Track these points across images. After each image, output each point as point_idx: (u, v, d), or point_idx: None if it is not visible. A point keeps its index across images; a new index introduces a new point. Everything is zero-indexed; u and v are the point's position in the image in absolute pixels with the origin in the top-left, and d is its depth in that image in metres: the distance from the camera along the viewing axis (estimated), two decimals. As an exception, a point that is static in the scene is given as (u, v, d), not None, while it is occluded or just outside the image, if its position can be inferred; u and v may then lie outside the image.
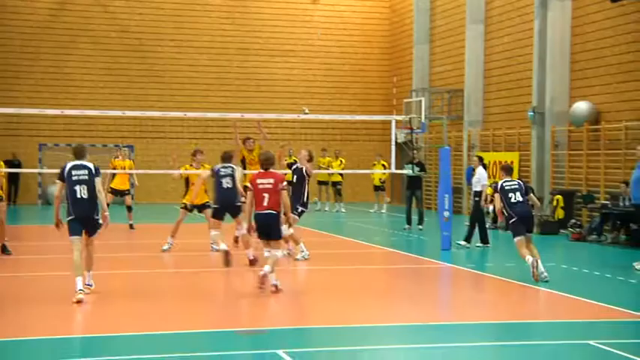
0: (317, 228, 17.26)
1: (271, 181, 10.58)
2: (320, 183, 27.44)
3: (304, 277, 11.84)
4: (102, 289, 10.82)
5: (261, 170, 10.73)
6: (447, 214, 15.59)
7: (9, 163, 26.52)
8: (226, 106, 30.28)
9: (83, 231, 10.33)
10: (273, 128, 30.74)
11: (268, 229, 10.54)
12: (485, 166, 17.24)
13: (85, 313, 9.60)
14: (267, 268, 10.44)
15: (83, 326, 9.08)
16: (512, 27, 24.84)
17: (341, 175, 26.57)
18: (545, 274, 11.55)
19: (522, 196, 12.29)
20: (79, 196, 10.19)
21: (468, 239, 16.44)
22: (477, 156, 17.72)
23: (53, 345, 7.83)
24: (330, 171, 25.73)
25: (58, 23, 30.25)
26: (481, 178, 16.56)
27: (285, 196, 10.71)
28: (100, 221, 10.30)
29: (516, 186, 12.43)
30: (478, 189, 16.60)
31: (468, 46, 26.68)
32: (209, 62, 31.47)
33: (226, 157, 13.04)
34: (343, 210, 26.75)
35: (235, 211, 13.12)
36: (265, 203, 10.52)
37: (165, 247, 15.13)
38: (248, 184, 10.96)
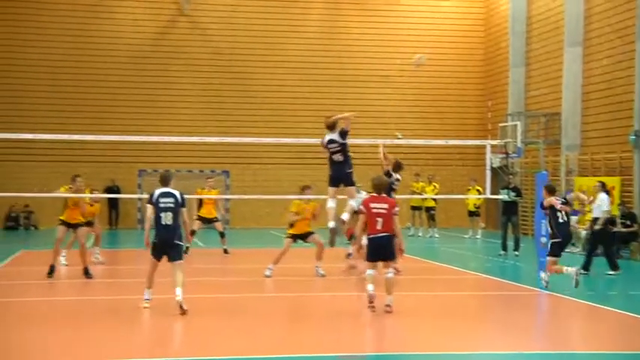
0: (411, 254, 17.06)
1: (385, 206, 10.93)
2: (413, 208, 27.21)
3: (399, 302, 11.63)
4: (196, 310, 10.90)
5: (374, 194, 10.97)
6: (544, 240, 15.13)
7: (109, 190, 27.81)
8: (320, 131, 30.53)
9: (164, 256, 11.02)
10: (365, 153, 30.58)
11: (383, 250, 10.78)
12: (607, 192, 17.09)
13: (177, 333, 9.86)
14: (390, 298, 10.81)
15: (169, 347, 9.20)
16: (611, 49, 24.20)
17: (434, 200, 26.22)
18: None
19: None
20: (163, 222, 10.83)
21: (586, 267, 16.03)
22: (599, 182, 17.53)
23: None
24: (424, 196, 25.63)
25: (156, 52, 31.05)
26: (602, 204, 16.42)
27: (397, 221, 11.05)
28: (183, 245, 11.04)
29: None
30: (597, 215, 16.45)
31: (566, 69, 26.10)
32: (303, 88, 31.70)
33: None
34: (437, 235, 26.48)
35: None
36: (379, 227, 10.82)
37: (267, 272, 15.12)
38: (361, 207, 11.09)
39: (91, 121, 29.33)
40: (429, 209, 26.83)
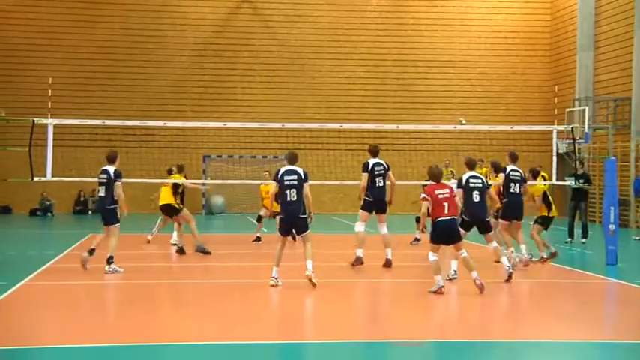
0: (474, 240, 16.54)
1: (447, 191, 11.53)
2: None
3: (466, 289, 11.62)
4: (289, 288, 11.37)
5: (432, 183, 11.63)
6: (612, 227, 15.03)
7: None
8: (382, 117, 30.27)
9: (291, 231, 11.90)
10: (429, 139, 29.78)
11: (452, 233, 11.37)
12: None
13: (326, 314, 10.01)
14: (475, 273, 11.42)
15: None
16: (684, 30, 23.40)
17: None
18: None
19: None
20: (288, 199, 11.57)
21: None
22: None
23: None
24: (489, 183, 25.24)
25: (222, 39, 31.27)
26: None
27: (458, 203, 11.87)
28: (309, 220, 11.70)
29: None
30: None
31: (636, 52, 25.30)
32: (366, 74, 31.65)
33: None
34: (502, 222, 26.01)
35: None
36: (446, 211, 11.37)
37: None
38: (424, 195, 11.57)
39: (157, 107, 29.92)
40: (494, 196, 26.36)
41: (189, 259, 14.98)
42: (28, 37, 29.65)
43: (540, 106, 31.98)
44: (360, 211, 13.57)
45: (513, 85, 32.12)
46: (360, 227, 13.37)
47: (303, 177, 11.52)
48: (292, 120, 27.74)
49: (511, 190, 13.72)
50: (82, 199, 29.78)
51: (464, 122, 29.38)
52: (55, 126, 16.40)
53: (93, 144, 29.01)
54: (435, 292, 11.13)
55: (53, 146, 16.21)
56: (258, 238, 18.22)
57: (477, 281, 11.21)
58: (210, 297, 11.11)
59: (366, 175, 13.44)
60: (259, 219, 18.44)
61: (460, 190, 12.36)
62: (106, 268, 12.83)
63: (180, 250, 15.60)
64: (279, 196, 11.61)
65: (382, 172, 13.43)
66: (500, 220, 14.03)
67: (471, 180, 12.53)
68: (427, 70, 31.86)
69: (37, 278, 12.60)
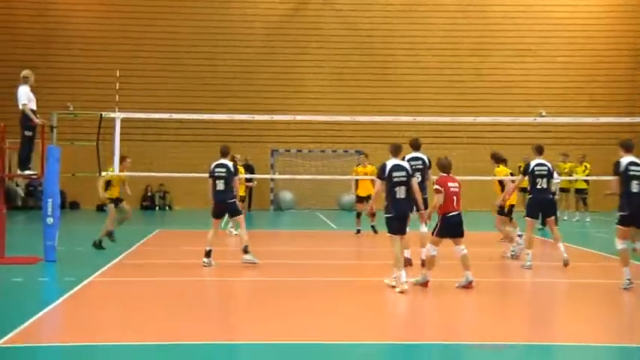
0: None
1: (457, 184, 11.53)
2: (561, 190, 25.68)
3: (550, 289, 11.77)
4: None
5: (443, 175, 11.51)
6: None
7: (245, 168, 27.54)
8: (458, 109, 29.60)
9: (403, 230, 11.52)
10: (508, 132, 29.17)
11: (459, 227, 11.38)
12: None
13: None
14: (469, 273, 11.39)
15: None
16: None
17: (586, 182, 25.12)
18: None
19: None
20: (398, 196, 11.27)
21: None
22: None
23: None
24: (573, 177, 24.41)
25: (291, 28, 31.09)
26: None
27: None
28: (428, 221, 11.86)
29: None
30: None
31: None
32: (440, 64, 31.07)
33: None
34: (588, 220, 25.28)
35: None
36: (456, 204, 11.41)
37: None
38: (437, 186, 11.51)
39: (222, 100, 29.82)
40: (579, 191, 25.77)
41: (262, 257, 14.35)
42: (95, 29, 29.89)
43: (627, 97, 31.14)
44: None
45: (598, 75, 31.21)
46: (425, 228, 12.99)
47: (410, 172, 11.41)
48: (362, 112, 27.76)
49: (538, 186, 13.49)
50: (149, 194, 29.98)
51: (544, 114, 28.87)
52: (122, 119, 16.45)
53: (159, 138, 29.33)
54: (465, 286, 11.30)
55: (120, 140, 16.23)
56: (358, 231, 18.72)
57: (470, 285, 11.27)
58: (330, 295, 11.07)
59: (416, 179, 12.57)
60: (358, 215, 18.85)
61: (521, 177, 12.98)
62: (245, 257, 13.23)
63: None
64: (387, 194, 11.32)
65: (420, 166, 13.06)
66: (526, 218, 13.78)
67: (537, 168, 13.26)
68: (505, 59, 31.10)
69: (106, 274, 12.73)
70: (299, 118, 21.98)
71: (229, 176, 13.40)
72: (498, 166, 15.64)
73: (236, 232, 17.40)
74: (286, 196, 29.66)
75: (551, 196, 13.74)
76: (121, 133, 16.27)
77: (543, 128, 29.36)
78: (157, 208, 29.60)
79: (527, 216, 13.69)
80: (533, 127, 28.94)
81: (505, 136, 29.62)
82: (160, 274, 12.78)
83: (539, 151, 13.90)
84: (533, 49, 31.12)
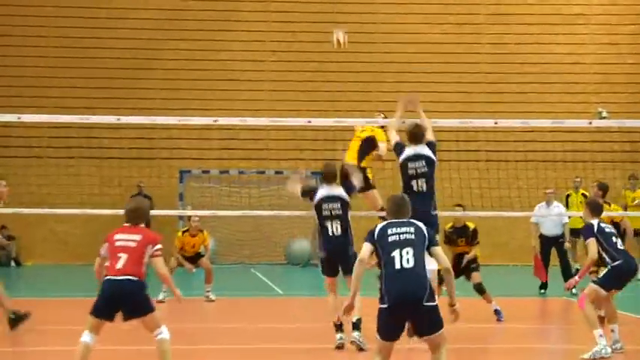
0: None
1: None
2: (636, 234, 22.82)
3: None
4: None
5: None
6: None
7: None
8: (468, 107, 26.88)
9: None
10: (545, 143, 26.99)
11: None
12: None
13: None
14: None
15: None
16: None
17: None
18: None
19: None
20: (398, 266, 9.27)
21: None
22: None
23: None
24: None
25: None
26: None
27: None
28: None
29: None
30: None
31: None
32: (441, 37, 28.53)
33: None
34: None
35: None
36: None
37: None
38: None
39: (104, 100, 27.31)
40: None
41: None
42: None
43: None
44: None
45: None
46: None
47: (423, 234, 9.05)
48: (324, 113, 25.41)
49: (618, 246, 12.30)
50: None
51: (605, 115, 25.77)
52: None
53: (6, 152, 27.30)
54: None
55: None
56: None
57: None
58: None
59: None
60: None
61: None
62: (355, 335, 12.11)
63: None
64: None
65: (424, 169, 12.09)
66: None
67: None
68: (543, 30, 28.44)
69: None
70: (222, 121, 18.29)
71: (345, 211, 12.25)
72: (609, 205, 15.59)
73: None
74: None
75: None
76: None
77: (601, 136, 27.17)
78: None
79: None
80: (587, 133, 26.68)
81: (541, 148, 27.47)
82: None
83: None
84: (586, 15, 28.86)
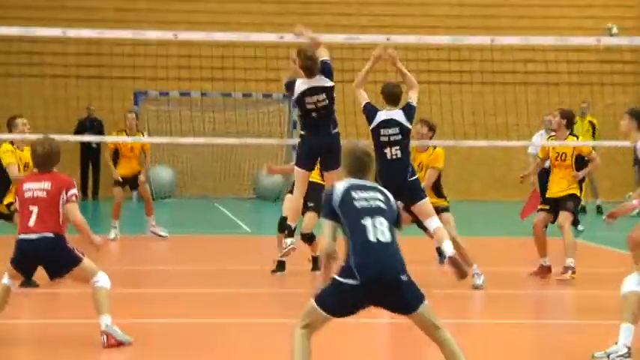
0: None
1: None
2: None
3: None
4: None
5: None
6: None
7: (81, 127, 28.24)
8: (463, 23, 26.71)
9: None
10: (549, 63, 25.57)
11: None
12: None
13: None
14: None
15: None
16: None
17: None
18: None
19: None
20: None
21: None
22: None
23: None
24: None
25: None
26: None
27: None
28: None
29: None
30: None
31: None
32: None
33: None
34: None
35: None
36: None
37: None
38: None
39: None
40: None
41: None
42: None
43: None
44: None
45: None
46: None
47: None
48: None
49: None
50: None
51: (615, 32, 25.92)
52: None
53: None
54: None
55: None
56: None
57: None
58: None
59: None
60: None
61: None
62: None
63: None
64: None
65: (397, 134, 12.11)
66: None
67: None
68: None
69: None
70: (183, 36, 16.21)
71: (405, 135, 11.97)
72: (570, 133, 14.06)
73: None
74: (162, 174, 26.37)
75: None
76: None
77: (611, 56, 26.06)
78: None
79: None
80: (595, 52, 25.89)
81: (543, 69, 26.08)
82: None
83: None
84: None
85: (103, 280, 9.11)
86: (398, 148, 12.00)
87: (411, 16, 27.74)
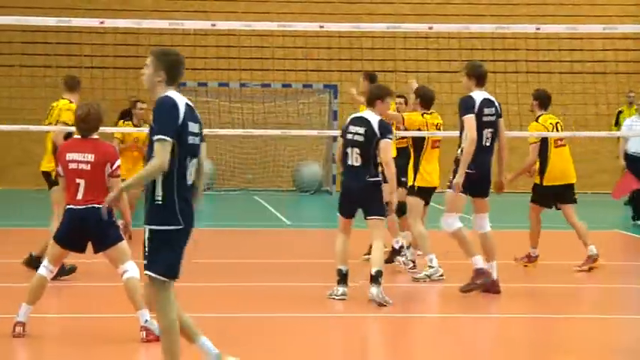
0: None
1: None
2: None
3: None
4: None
5: None
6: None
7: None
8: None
9: None
10: (599, 52, 26.27)
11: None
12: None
13: None
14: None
15: None
16: None
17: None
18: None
19: None
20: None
21: None
22: None
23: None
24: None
25: None
26: None
27: None
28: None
29: None
30: None
31: None
32: None
33: None
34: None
35: None
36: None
37: None
38: None
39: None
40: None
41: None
42: None
43: None
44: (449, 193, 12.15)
45: None
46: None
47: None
48: (339, 17, 24.51)
49: None
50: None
51: None
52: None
53: None
54: None
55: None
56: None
57: None
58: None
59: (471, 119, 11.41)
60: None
61: None
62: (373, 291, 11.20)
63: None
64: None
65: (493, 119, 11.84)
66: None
67: None
68: None
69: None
70: (221, 25, 18.66)
71: (370, 140, 11.34)
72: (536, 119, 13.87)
73: None
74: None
75: None
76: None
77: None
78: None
79: None
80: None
81: (590, 58, 26.36)
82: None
83: None
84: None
85: (132, 269, 9.00)
86: (358, 151, 11.52)
87: (453, 4, 27.73)
